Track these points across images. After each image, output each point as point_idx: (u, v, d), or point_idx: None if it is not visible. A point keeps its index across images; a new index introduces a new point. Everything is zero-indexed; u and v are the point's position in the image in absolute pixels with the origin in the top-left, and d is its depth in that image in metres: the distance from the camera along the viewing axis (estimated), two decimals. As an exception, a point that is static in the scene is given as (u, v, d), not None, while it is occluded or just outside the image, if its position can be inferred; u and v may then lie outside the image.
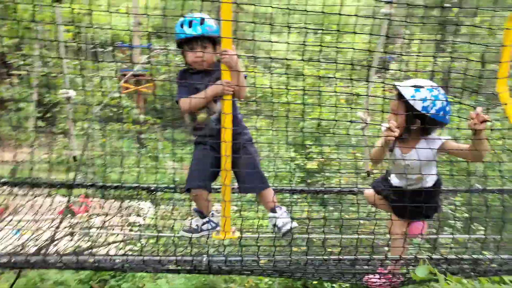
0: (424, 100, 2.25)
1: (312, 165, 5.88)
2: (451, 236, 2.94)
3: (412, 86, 2.31)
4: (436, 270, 1.61)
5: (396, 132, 2.21)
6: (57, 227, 3.49)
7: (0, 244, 2.81)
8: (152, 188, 3.45)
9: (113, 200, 3.66)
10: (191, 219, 2.68)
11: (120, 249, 4.26)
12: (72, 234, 3.59)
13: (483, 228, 3.17)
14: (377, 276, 2.64)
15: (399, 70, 7.42)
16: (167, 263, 2.33)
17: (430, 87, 2.31)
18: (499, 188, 3.30)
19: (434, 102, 2.25)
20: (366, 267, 2.42)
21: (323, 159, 5.77)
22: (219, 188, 2.38)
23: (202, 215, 2.61)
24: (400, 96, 2.36)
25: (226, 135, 2.30)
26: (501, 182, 2.81)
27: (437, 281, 1.51)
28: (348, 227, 3.20)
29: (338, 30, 2.31)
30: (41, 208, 3.16)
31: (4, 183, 3.45)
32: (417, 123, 2.34)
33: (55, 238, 3.59)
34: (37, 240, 3.14)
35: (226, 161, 2.30)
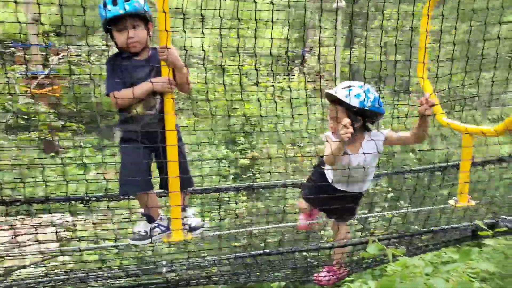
0: (358, 96, 2.34)
1: (244, 160, 6.00)
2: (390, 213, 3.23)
3: (343, 88, 2.39)
4: (384, 246, 1.80)
5: (351, 128, 2.25)
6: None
7: None
8: (86, 198, 3.23)
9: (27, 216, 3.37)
10: (138, 225, 2.49)
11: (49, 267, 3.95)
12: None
13: (407, 205, 3.56)
14: (325, 272, 2.87)
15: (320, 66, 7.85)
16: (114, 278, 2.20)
17: (359, 84, 2.40)
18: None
19: (367, 95, 2.34)
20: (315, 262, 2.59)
21: (257, 155, 5.92)
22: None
23: (150, 219, 2.45)
24: (335, 102, 2.43)
25: (171, 138, 2.18)
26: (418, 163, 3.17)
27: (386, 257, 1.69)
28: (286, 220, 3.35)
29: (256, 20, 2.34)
30: None
31: None
32: (360, 120, 2.41)
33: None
34: None
35: (172, 167, 2.20)
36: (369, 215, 3.38)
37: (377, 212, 3.47)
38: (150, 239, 2.38)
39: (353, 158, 2.46)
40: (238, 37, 2.27)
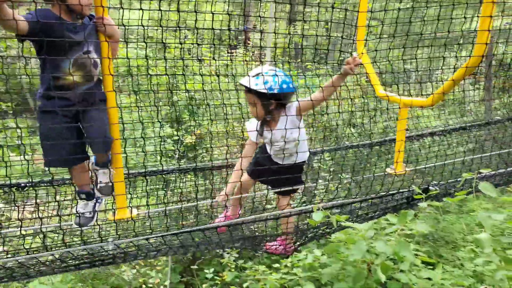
0: (266, 82, 2.53)
1: (190, 139, 5.91)
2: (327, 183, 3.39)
3: (252, 76, 2.57)
4: (328, 213, 1.90)
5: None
6: None
7: None
8: (22, 185, 3.02)
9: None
10: (79, 205, 2.38)
11: None
12: None
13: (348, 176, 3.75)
14: (275, 242, 3.03)
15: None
16: (63, 259, 2.12)
17: (266, 70, 2.60)
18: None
19: (274, 80, 2.54)
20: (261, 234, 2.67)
21: (202, 133, 5.85)
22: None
23: (88, 195, 2.35)
24: (247, 89, 2.61)
25: (108, 83, 2.09)
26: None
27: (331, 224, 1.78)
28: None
29: None
30: None
31: None
32: (273, 103, 2.62)
33: None
34: None
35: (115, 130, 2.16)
36: (311, 185, 3.53)
37: (321, 184, 3.63)
38: (94, 219, 2.30)
39: (274, 133, 2.64)
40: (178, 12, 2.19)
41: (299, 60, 7.72)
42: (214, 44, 2.90)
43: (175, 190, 4.16)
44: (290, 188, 2.77)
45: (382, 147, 3.89)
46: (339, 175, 3.53)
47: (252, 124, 2.82)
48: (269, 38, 6.27)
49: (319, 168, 4.16)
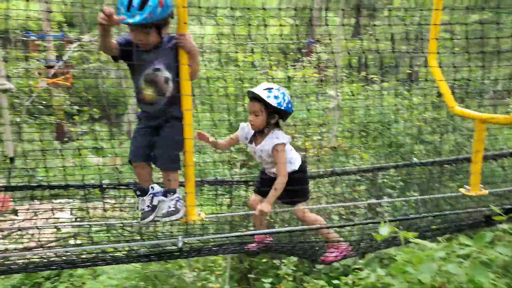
0: (276, 97, 2.71)
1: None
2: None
3: (264, 89, 2.72)
4: (396, 229, 1.85)
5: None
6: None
7: None
8: (103, 186, 3.32)
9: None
10: (137, 205, 2.59)
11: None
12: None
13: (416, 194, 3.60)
14: (329, 251, 3.04)
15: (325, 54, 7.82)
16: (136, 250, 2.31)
17: (277, 87, 2.77)
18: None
19: (284, 97, 2.73)
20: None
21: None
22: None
23: (143, 192, 2.54)
24: (255, 99, 2.74)
25: (186, 102, 2.32)
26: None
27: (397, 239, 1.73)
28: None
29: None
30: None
31: None
32: (275, 117, 2.79)
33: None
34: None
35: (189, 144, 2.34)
36: (378, 201, 3.44)
37: (386, 200, 3.52)
38: (156, 211, 2.48)
39: (256, 148, 2.85)
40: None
41: (365, 73, 7.59)
42: (282, 59, 2.98)
43: (236, 198, 4.28)
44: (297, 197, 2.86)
45: (453, 166, 3.68)
46: (406, 193, 3.41)
47: (246, 127, 2.94)
48: (336, 52, 6.25)
49: (384, 184, 4.04)
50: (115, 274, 6.53)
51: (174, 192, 2.53)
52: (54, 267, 2.77)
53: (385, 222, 1.90)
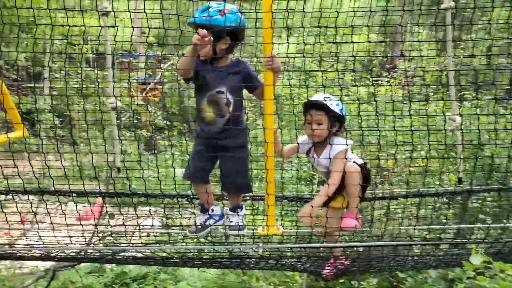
0: (337, 104, 2.67)
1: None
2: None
3: (323, 98, 2.64)
4: (490, 259, 1.70)
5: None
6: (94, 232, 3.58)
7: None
8: (191, 196, 3.55)
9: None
10: (197, 218, 2.76)
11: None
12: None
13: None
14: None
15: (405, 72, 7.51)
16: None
17: (329, 95, 2.71)
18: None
19: (341, 105, 2.70)
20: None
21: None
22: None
23: (203, 209, 2.70)
24: (317, 107, 2.66)
25: (268, 136, 2.40)
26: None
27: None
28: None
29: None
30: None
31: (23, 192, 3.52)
32: (337, 125, 2.72)
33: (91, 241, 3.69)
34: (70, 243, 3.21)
35: (268, 160, 2.41)
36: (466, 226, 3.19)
37: (478, 225, 3.24)
38: (206, 230, 2.66)
39: (318, 160, 2.74)
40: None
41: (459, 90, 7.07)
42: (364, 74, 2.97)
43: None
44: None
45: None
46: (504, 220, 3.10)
47: (303, 140, 2.85)
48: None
49: (476, 208, 3.71)
50: (194, 282, 6.84)
51: (242, 208, 2.70)
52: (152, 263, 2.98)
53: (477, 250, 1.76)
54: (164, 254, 2.73)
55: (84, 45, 7.02)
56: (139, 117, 7.55)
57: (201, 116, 2.58)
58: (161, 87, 9.36)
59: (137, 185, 4.94)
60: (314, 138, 2.71)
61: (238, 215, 2.68)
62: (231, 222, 2.64)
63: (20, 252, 2.57)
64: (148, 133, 8.05)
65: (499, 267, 1.67)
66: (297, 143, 2.85)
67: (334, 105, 2.64)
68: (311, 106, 2.71)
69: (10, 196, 3.52)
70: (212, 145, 2.58)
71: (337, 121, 2.71)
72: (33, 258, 2.51)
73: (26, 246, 2.52)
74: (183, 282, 6.90)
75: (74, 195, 3.59)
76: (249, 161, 2.70)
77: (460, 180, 3.49)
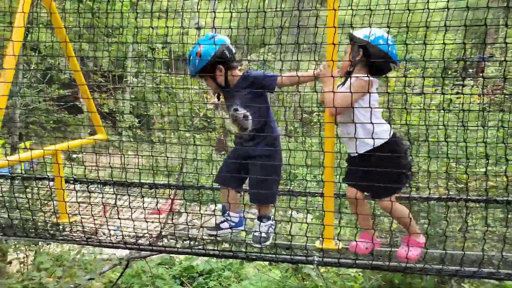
0: (366, 36, 2.28)
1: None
2: None
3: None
4: None
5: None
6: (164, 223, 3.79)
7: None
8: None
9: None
10: (217, 219, 2.80)
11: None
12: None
13: None
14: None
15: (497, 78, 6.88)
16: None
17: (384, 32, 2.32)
18: None
19: (373, 31, 2.28)
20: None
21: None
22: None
23: (224, 211, 2.74)
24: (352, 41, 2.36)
25: (328, 144, 2.32)
26: None
27: None
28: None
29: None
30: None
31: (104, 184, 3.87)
32: (360, 54, 2.31)
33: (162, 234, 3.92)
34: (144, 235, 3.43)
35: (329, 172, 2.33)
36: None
37: None
38: (216, 232, 2.67)
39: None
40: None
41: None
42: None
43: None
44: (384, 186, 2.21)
45: None
46: None
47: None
48: None
49: None
50: (256, 282, 6.97)
51: (269, 218, 2.66)
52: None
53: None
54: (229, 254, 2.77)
55: (162, 49, 7.51)
56: (210, 120, 7.87)
57: (231, 130, 2.80)
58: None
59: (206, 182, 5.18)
60: (339, 72, 2.43)
61: (265, 225, 2.65)
62: (255, 232, 2.65)
63: (100, 241, 2.77)
64: (218, 135, 8.34)
65: None
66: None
67: (361, 33, 2.32)
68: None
69: (94, 187, 3.90)
70: (242, 154, 2.69)
71: (360, 48, 2.32)
72: (111, 246, 2.72)
73: (106, 234, 2.71)
74: (246, 281, 7.07)
75: (148, 188, 3.89)
76: (279, 169, 2.73)
77: None
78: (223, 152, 8.53)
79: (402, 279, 4.89)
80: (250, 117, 2.63)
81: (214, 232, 2.71)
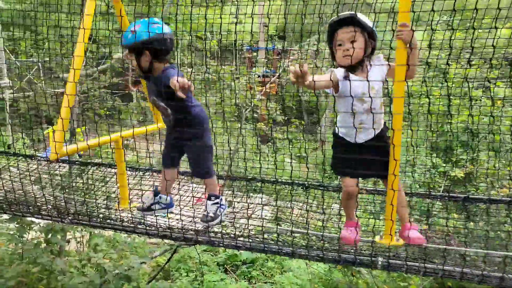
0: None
1: (458, 173, 5.38)
2: None
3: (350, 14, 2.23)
4: None
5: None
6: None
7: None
8: (306, 185, 3.62)
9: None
10: (144, 196, 2.88)
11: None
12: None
13: None
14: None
15: None
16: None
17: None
18: None
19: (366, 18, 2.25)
20: None
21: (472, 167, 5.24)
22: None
23: (155, 193, 2.85)
24: (348, 23, 2.22)
25: (396, 139, 2.15)
26: None
27: None
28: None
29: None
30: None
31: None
32: (372, 44, 2.27)
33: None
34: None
35: (395, 166, 2.17)
36: None
37: None
38: (218, 220, 2.71)
39: (357, 85, 2.17)
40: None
41: None
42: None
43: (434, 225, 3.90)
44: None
45: None
46: None
47: (335, 70, 2.30)
48: None
49: None
50: (300, 274, 6.94)
51: (217, 197, 2.75)
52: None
53: None
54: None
55: (211, 39, 7.54)
56: (258, 111, 7.86)
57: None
58: (279, 80, 9.57)
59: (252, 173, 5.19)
60: (347, 61, 2.22)
61: (212, 204, 2.73)
62: (204, 211, 2.71)
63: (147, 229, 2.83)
64: (265, 126, 8.33)
65: None
66: (332, 70, 2.28)
67: (366, 19, 2.21)
68: (338, 24, 2.25)
69: (148, 173, 4.03)
70: (173, 137, 2.81)
71: (371, 38, 2.24)
72: (156, 235, 2.76)
73: (153, 223, 2.75)
74: (289, 273, 7.06)
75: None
76: (210, 147, 2.82)
77: None
78: (268, 143, 8.54)
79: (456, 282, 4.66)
80: (168, 108, 2.67)
81: (146, 213, 2.83)
